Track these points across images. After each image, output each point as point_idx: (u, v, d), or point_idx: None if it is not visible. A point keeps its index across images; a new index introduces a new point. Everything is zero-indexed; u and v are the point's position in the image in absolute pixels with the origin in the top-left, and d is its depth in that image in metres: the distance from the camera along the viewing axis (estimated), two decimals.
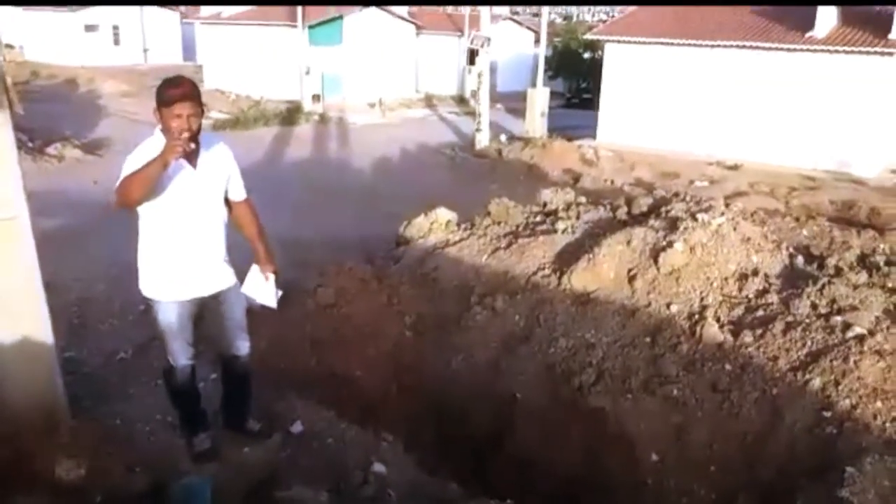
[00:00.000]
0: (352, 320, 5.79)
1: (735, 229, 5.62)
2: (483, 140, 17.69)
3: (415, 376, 5.47)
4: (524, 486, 4.71)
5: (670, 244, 5.39)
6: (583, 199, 6.86)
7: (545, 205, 6.88)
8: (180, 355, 3.23)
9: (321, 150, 18.94)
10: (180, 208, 3.07)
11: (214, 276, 3.22)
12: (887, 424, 3.99)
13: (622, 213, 6.30)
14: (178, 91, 2.97)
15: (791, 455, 4.12)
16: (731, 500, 4.16)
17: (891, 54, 14.40)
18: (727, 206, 6.28)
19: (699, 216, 5.63)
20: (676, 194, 14.21)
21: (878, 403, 4.10)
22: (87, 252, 8.61)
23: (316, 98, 24.88)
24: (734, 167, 15.99)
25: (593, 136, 18.90)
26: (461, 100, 30.76)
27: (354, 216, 10.85)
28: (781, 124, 16.03)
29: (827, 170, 15.33)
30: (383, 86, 27.58)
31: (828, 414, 4.14)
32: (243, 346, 3.41)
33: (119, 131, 19.59)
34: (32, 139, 14.70)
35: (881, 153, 15.73)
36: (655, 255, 5.40)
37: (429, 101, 29.58)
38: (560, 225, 6.17)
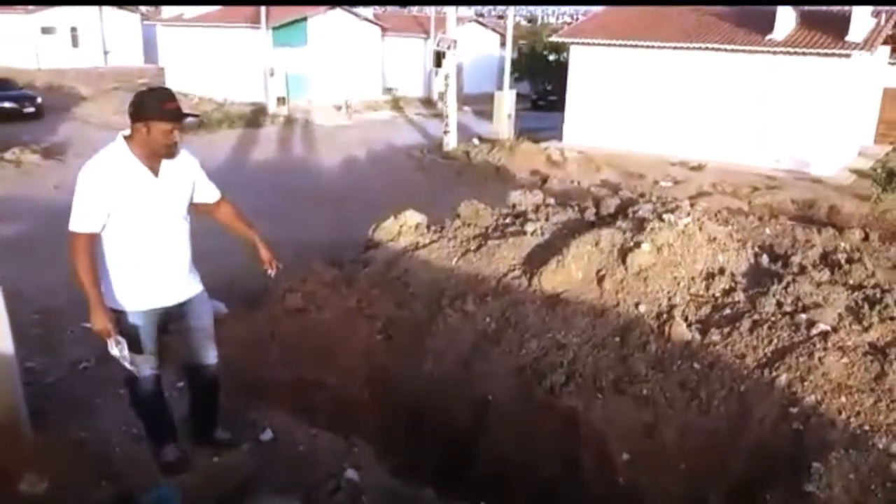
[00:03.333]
0: (321, 325, 5.74)
1: (701, 229, 5.70)
2: (451, 142, 17.70)
3: (386, 381, 5.43)
4: (499, 488, 4.71)
5: (638, 245, 5.45)
6: (551, 201, 6.89)
7: (514, 206, 6.90)
8: (145, 366, 3.16)
9: (287, 153, 18.77)
10: (142, 217, 3.01)
11: (179, 286, 3.16)
12: (851, 419, 4.07)
13: (590, 215, 6.35)
14: (173, 106, 2.94)
15: (759, 451, 4.18)
16: (702, 497, 4.22)
17: (847, 56, 14.75)
18: (692, 206, 6.38)
19: (665, 217, 5.69)
20: (642, 195, 14.41)
21: (843, 399, 4.18)
22: (48, 259, 8.39)
23: (281, 100, 24.65)
24: (697, 167, 16.23)
25: (559, 138, 19.04)
26: (428, 101, 30.76)
27: (322, 219, 10.76)
28: (743, 125, 16.32)
29: (787, 169, 15.64)
30: (349, 88, 27.43)
31: (794, 410, 4.21)
32: (211, 356, 3.34)
33: (79, 135, 19.23)
34: None
35: (838, 152, 16.11)
36: (623, 255, 5.45)
37: (395, 104, 29.51)
38: (529, 227, 6.19)
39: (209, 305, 3.32)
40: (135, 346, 3.09)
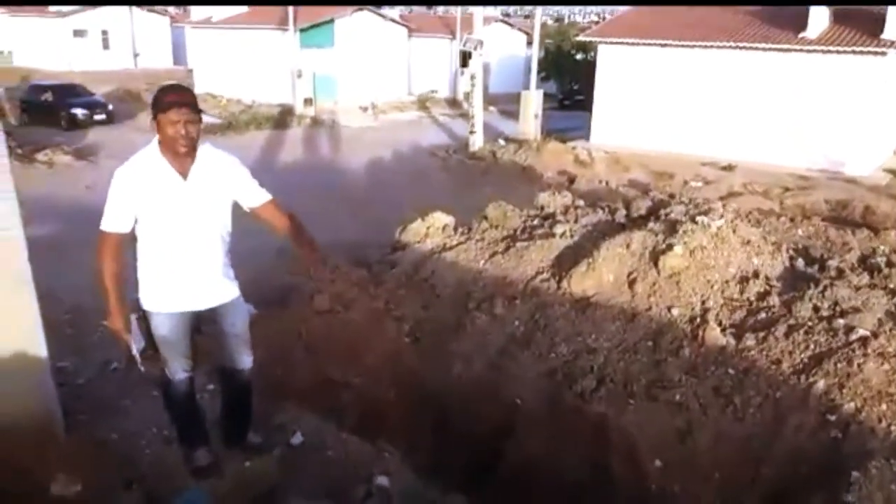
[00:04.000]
0: (349, 326, 5.72)
1: (734, 231, 5.58)
2: (477, 142, 17.66)
3: (414, 382, 5.40)
4: (527, 494, 4.66)
5: (670, 247, 5.35)
6: (581, 202, 6.82)
7: (542, 208, 6.84)
8: (177, 368, 3.15)
9: (314, 154, 18.87)
10: (171, 220, 3.00)
11: (211, 291, 3.14)
12: (892, 427, 3.95)
13: (621, 216, 6.27)
14: (174, 97, 2.92)
15: (796, 459, 4.08)
16: None
17: (883, 54, 14.43)
18: (724, 207, 6.26)
19: (698, 219, 5.59)
20: (672, 195, 14.25)
21: (883, 406, 4.06)
22: (80, 259, 8.50)
23: (308, 101, 24.80)
24: (728, 167, 15.99)
25: (587, 138, 18.90)
26: (454, 102, 30.74)
27: (349, 220, 10.78)
28: (774, 124, 16.05)
29: (820, 169, 15.35)
30: (375, 89, 27.54)
31: (832, 417, 4.11)
32: (245, 361, 3.32)
33: (110, 136, 19.51)
34: (21, 145, 14.57)
35: (873, 152, 15.77)
36: (655, 258, 5.36)
37: (421, 104, 29.54)
38: (558, 228, 6.12)
39: (244, 311, 3.29)
40: (167, 348, 3.09)
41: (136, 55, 37.96)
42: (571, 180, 14.66)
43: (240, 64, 26.98)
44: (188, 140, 2.92)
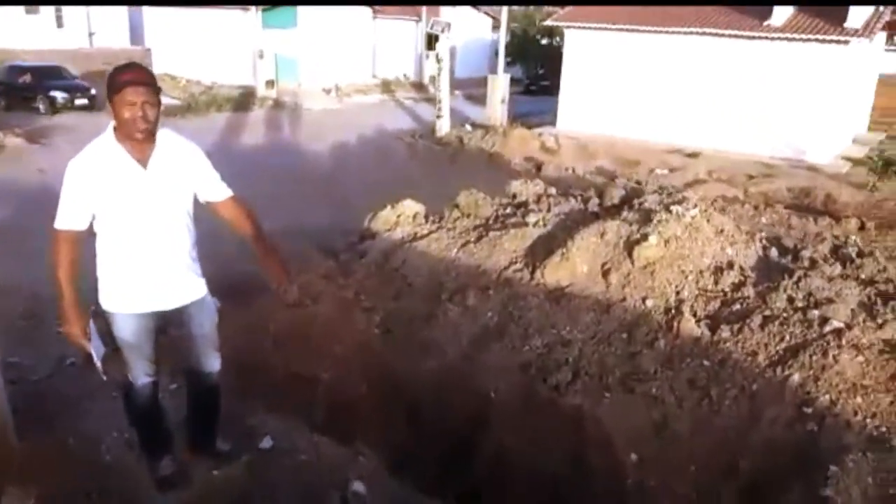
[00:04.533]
0: (317, 318, 5.56)
1: (709, 221, 5.55)
2: (444, 127, 17.48)
3: (385, 375, 5.26)
4: (502, 488, 4.58)
5: (644, 237, 5.30)
6: (553, 191, 6.72)
7: (514, 196, 6.73)
8: (140, 373, 2.95)
9: (277, 137, 18.49)
10: (131, 214, 2.78)
11: (177, 289, 2.93)
12: (868, 420, 3.95)
13: (594, 205, 6.19)
14: (130, 75, 2.68)
15: (772, 452, 4.06)
16: (713, 500, 4.10)
17: (846, 42, 14.61)
18: (696, 196, 6.23)
19: (673, 208, 5.54)
20: (639, 183, 14.32)
21: (858, 399, 4.06)
22: (33, 248, 8.15)
23: (270, 83, 24.31)
24: (693, 155, 16.10)
25: (553, 124, 18.85)
26: (419, 85, 30.45)
27: (313, 206, 10.55)
28: (739, 112, 16.18)
29: (783, 157, 15.54)
30: (339, 71, 27.08)
31: (808, 410, 4.09)
32: (213, 363, 3.12)
33: (63, 118, 18.84)
34: None
35: (834, 140, 16.01)
36: (629, 248, 5.30)
37: (386, 87, 29.19)
38: (531, 217, 6.03)
39: (212, 310, 3.09)
40: (129, 352, 2.90)
41: (91, 34, 36.65)
42: (538, 167, 14.61)
43: (200, 44, 26.27)
44: (146, 123, 2.70)
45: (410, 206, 6.80)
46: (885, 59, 19.85)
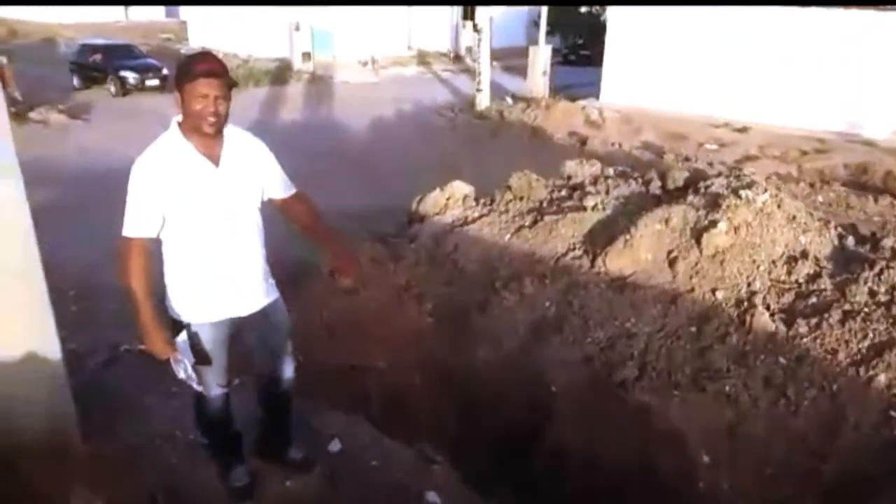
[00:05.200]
0: (369, 305, 5.43)
1: (779, 207, 5.25)
2: (484, 101, 17.13)
3: (438, 366, 5.13)
4: (563, 489, 4.42)
5: (713, 224, 5.02)
6: (611, 172, 6.45)
7: (569, 178, 6.48)
8: (213, 383, 2.81)
9: (316, 113, 18.32)
10: (204, 216, 2.61)
11: (251, 293, 2.78)
12: None
13: (655, 188, 5.91)
14: (205, 65, 2.50)
15: (857, 458, 3.83)
16: None
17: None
18: (766, 180, 5.92)
19: (742, 192, 5.25)
20: (687, 159, 13.89)
21: None
22: (81, 226, 8.14)
23: (306, 56, 24.11)
24: (743, 129, 15.56)
25: (596, 96, 18.36)
26: (456, 57, 29.98)
27: (357, 186, 10.39)
28: (791, 84, 15.55)
29: (837, 131, 14.92)
30: (374, 43, 26.74)
31: None
32: (288, 369, 2.99)
33: (102, 93, 18.91)
34: (14, 103, 14.05)
35: (892, 113, 15.33)
36: (697, 235, 5.04)
37: (422, 59, 28.79)
38: (589, 201, 5.77)
39: (286, 313, 2.96)
40: (202, 361, 2.73)
41: (126, 6, 36.83)
42: (583, 142, 14.25)
43: (235, 17, 26.12)
44: (217, 118, 2.53)
45: (460, 188, 6.59)
46: None
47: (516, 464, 4.60)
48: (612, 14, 18.27)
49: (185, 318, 2.72)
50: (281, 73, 22.42)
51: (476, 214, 6.18)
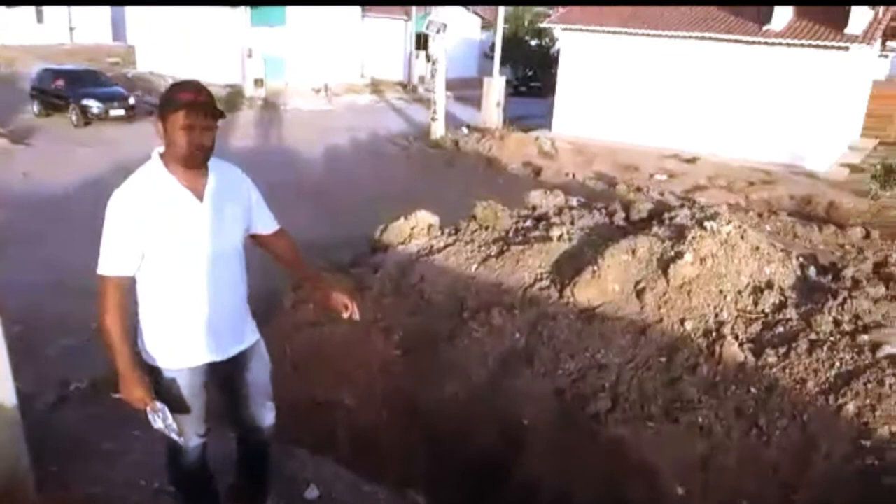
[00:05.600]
0: (333, 339, 5.28)
1: (743, 238, 5.33)
2: (439, 130, 17.20)
3: (406, 401, 4.99)
4: None
5: (679, 255, 5.06)
6: (574, 202, 6.48)
7: (534, 208, 6.48)
8: (191, 434, 2.61)
9: (268, 140, 18.09)
10: (185, 253, 2.44)
11: (233, 335, 2.62)
12: None
13: (619, 219, 5.95)
14: (190, 94, 2.35)
15: (829, 489, 3.84)
16: None
17: (846, 48, 14.54)
18: (728, 210, 6.01)
19: (707, 224, 5.31)
20: (639, 189, 14.12)
21: None
22: (24, 255, 7.79)
23: (258, 82, 23.87)
24: (691, 160, 15.97)
25: (548, 127, 18.63)
26: (408, 86, 30.14)
27: (313, 215, 10.22)
28: (737, 117, 16.07)
29: (781, 163, 15.44)
30: (328, 70, 26.69)
31: (867, 443, 3.88)
32: (267, 417, 2.82)
33: (63, 121, 18.32)
34: None
35: (833, 147, 15.95)
36: (664, 266, 5.07)
37: (375, 87, 28.85)
38: (555, 231, 5.77)
39: (266, 356, 2.80)
40: (180, 410, 2.54)
41: (72, 29, 35.99)
42: (537, 172, 14.40)
43: (185, 41, 25.74)
44: (202, 150, 2.39)
45: (424, 218, 6.52)
46: (879, 65, 19.88)
47: (489, 499, 4.49)
48: (563, 46, 18.62)
49: (161, 364, 2.53)
50: (233, 100, 22.11)
51: (441, 244, 6.11)
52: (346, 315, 2.85)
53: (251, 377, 2.73)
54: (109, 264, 2.38)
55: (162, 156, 2.45)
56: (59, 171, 11.35)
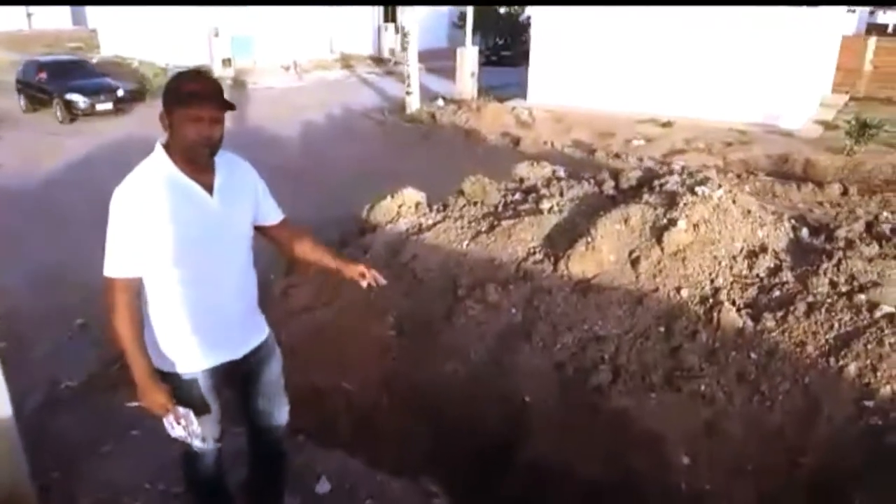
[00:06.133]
0: (330, 323, 5.21)
1: (734, 202, 5.31)
2: (414, 103, 16.97)
3: (406, 382, 4.94)
4: (544, 498, 4.32)
5: (672, 222, 5.03)
6: (562, 173, 6.40)
7: (522, 180, 6.40)
8: (208, 437, 2.52)
9: (241, 119, 17.71)
10: (197, 250, 2.32)
11: (247, 332, 2.53)
12: None
13: (609, 188, 5.89)
14: (198, 86, 2.24)
15: (835, 450, 3.87)
16: (776, 503, 3.90)
17: (816, 3, 14.54)
18: (719, 174, 5.99)
19: (697, 189, 5.28)
20: (618, 155, 14.08)
21: None
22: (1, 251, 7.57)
23: (227, 62, 23.36)
24: (667, 124, 15.92)
25: (523, 96, 18.46)
26: (378, 60, 29.71)
27: (296, 195, 10.02)
28: (710, 78, 16.00)
29: (756, 123, 15.45)
30: (296, 47, 26.19)
31: (869, 403, 3.90)
32: (282, 414, 2.73)
33: (9, 104, 17.80)
34: None
35: (806, 105, 16.00)
36: (658, 234, 5.03)
37: (345, 62, 28.39)
38: (545, 204, 5.71)
39: (278, 351, 2.71)
40: (198, 415, 2.43)
41: (29, 14, 34.89)
42: (516, 142, 14.28)
43: (149, 23, 25.05)
44: (211, 144, 2.27)
45: (412, 195, 6.42)
46: (847, 21, 19.94)
47: (495, 479, 4.47)
48: (535, 15, 18.41)
49: (178, 369, 2.42)
50: None
51: (431, 221, 6.02)
52: (364, 283, 2.72)
53: (266, 374, 2.65)
54: (117, 265, 2.25)
55: (166, 147, 2.32)
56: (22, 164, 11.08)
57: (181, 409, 2.32)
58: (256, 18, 24.86)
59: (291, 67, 25.08)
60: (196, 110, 2.21)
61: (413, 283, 5.57)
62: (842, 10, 18.19)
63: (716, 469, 4.06)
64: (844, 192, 11.69)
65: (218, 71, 22.84)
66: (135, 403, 2.30)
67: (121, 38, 26.18)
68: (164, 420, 2.33)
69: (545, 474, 4.36)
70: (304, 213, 8.59)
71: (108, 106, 16.38)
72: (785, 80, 15.33)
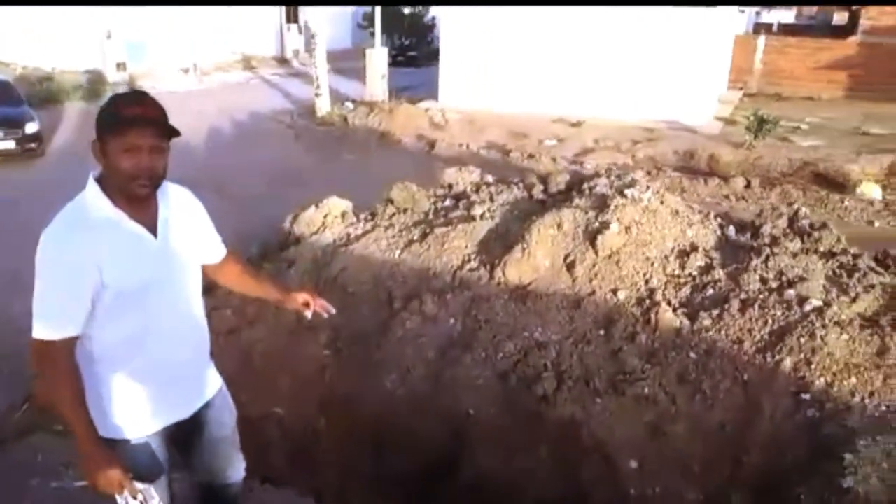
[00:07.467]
0: (258, 344, 4.93)
1: (663, 203, 5.38)
2: (324, 106, 16.58)
3: (343, 403, 4.73)
4: None
5: (605, 225, 5.03)
6: (490, 178, 6.33)
7: (451, 186, 6.28)
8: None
9: None
10: (143, 298, 2.04)
11: (201, 383, 2.27)
12: (866, 401, 3.90)
13: (539, 192, 5.86)
14: (136, 109, 1.94)
15: (777, 444, 3.94)
16: (724, 501, 3.94)
17: (713, 3, 15.20)
18: (645, 176, 6.06)
19: (627, 192, 5.31)
20: (531, 155, 14.21)
21: (853, 379, 4.00)
22: None
23: (121, 66, 22.22)
24: (577, 124, 16.23)
25: (434, 98, 18.40)
26: (282, 60, 29.03)
27: (210, 207, 9.58)
28: (616, 78, 16.44)
29: (661, 120, 15.98)
30: (196, 49, 25.19)
31: (806, 396, 4.00)
32: (238, 471, 2.48)
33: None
34: None
35: (706, 101, 16.67)
36: (591, 237, 5.03)
37: (247, 63, 27.58)
38: (476, 210, 5.61)
39: (231, 402, 2.45)
40: (148, 482, 2.13)
41: None
42: (432, 145, 14.20)
43: (36, 24, 23.44)
44: (152, 176, 1.98)
45: (337, 204, 6.19)
46: (737, 20, 20.97)
47: (440, 499, 4.33)
48: (443, 16, 18.38)
49: (126, 434, 2.13)
50: (94, 87, 20.43)
51: (359, 231, 5.82)
52: (309, 314, 2.52)
53: (219, 428, 2.39)
54: (50, 326, 1.93)
55: (100, 182, 2.02)
56: None
57: (139, 485, 2.03)
58: (152, 19, 23.74)
59: (191, 70, 24.11)
60: (133, 138, 1.92)
61: (345, 297, 5.34)
62: (734, 9, 19.07)
63: (663, 472, 4.07)
64: (748, 185, 12.24)
65: (112, 76, 21.73)
66: (82, 483, 1.98)
67: (2, 40, 24.40)
68: (118, 497, 2.04)
69: (492, 490, 4.26)
70: (218, 227, 8.25)
71: (10, 145, 11.59)
72: (686, 78, 15.94)
